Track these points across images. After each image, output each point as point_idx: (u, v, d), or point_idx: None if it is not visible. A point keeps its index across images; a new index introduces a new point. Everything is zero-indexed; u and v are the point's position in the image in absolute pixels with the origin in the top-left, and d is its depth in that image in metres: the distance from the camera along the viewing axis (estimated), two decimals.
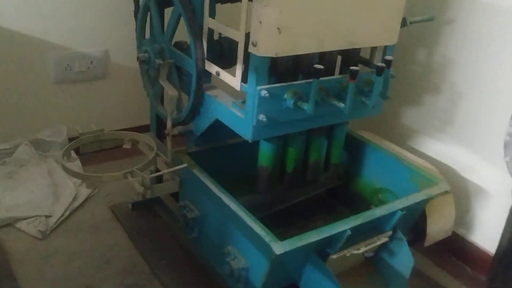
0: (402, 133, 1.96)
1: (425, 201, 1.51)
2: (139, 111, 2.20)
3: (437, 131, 1.83)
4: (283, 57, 1.31)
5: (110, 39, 2.15)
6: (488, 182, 1.71)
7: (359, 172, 1.76)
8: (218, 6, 1.45)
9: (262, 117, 1.27)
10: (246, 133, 1.33)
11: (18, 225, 1.74)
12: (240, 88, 1.32)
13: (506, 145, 1.54)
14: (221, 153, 1.64)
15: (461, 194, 1.76)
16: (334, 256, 1.32)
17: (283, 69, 1.36)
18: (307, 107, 1.27)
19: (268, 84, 1.28)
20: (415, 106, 1.90)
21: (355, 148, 1.75)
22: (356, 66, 1.42)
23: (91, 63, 2.14)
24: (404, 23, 1.51)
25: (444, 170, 1.75)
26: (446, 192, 1.53)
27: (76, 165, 2.02)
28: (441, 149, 1.83)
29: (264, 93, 1.25)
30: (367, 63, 1.54)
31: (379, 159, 1.68)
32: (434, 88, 1.82)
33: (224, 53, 1.52)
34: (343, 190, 1.79)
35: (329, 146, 1.63)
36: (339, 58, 1.51)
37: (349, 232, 1.27)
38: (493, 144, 1.64)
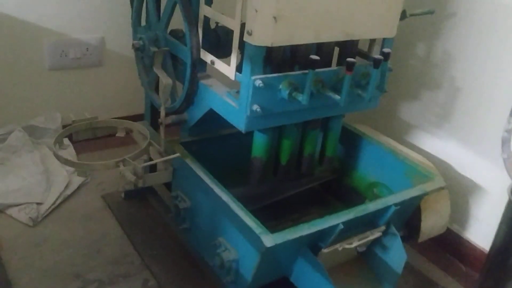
0: (399, 127, 1.94)
1: (420, 197, 1.50)
2: (134, 99, 2.18)
3: (435, 126, 1.82)
4: (279, 47, 1.29)
5: (107, 26, 2.12)
6: (484, 179, 1.69)
7: (354, 165, 1.74)
8: None
9: (256, 107, 1.25)
10: (240, 123, 1.31)
11: (9, 211, 1.72)
12: (235, 78, 1.30)
13: (503, 142, 1.52)
14: (215, 144, 1.62)
15: (457, 190, 1.74)
16: (326, 250, 1.30)
17: (279, 59, 1.33)
18: (302, 98, 1.25)
19: (264, 74, 1.26)
20: (413, 100, 1.88)
21: (351, 142, 1.73)
22: (354, 58, 1.40)
23: (87, 50, 2.11)
24: (403, 15, 1.49)
25: (440, 165, 1.73)
26: (442, 188, 1.52)
27: (69, 152, 2.01)
28: (438, 144, 1.82)
29: (258, 83, 1.23)
30: (365, 55, 1.52)
31: (374, 153, 1.67)
32: (432, 83, 1.80)
33: (220, 42, 1.49)
34: (338, 184, 1.78)
35: (325, 139, 1.62)
36: (336, 49, 1.48)
37: (341, 226, 1.25)
38: (490, 141, 1.62)
